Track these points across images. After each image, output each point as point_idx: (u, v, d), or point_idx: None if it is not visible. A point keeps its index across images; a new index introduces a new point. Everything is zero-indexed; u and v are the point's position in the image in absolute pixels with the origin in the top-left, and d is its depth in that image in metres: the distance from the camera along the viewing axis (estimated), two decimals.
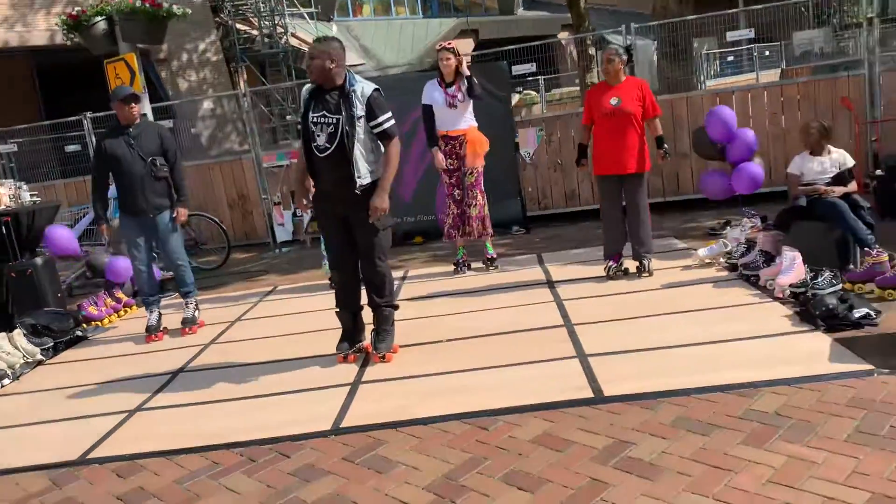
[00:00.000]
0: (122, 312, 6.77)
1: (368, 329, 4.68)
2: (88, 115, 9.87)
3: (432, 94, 6.37)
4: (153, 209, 5.68)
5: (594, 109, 5.73)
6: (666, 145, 5.87)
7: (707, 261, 5.82)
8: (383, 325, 4.59)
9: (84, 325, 6.26)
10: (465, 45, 20.14)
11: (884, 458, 2.74)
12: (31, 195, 6.91)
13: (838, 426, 3.03)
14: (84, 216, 8.91)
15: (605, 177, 5.77)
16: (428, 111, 6.39)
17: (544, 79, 13.32)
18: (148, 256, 5.85)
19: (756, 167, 6.35)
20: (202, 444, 3.63)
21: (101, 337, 6.13)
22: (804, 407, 3.23)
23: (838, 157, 5.36)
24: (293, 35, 17.85)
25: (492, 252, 6.72)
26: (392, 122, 4.33)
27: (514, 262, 6.91)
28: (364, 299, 4.62)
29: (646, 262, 5.77)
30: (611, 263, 5.83)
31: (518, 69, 9.08)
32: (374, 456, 3.30)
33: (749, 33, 9.27)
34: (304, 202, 4.58)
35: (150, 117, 7.65)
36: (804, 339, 4.04)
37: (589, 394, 3.66)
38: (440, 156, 6.39)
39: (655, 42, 10.78)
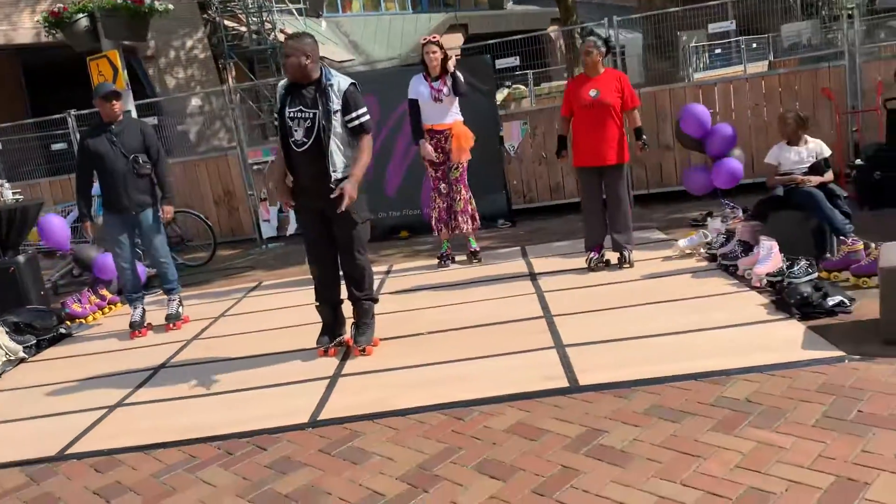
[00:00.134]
0: (106, 310, 6.77)
1: (349, 323, 4.70)
2: (73, 112, 9.83)
3: (418, 88, 6.37)
4: (136, 206, 5.69)
5: (573, 101, 5.74)
6: (645, 136, 5.89)
7: (687, 251, 5.86)
8: (363, 319, 4.61)
9: (68, 323, 6.25)
10: (454, 41, 20.14)
11: (849, 443, 2.78)
12: (14, 193, 6.90)
13: (807, 412, 3.07)
14: (69, 213, 8.89)
15: (584, 168, 5.79)
16: (414, 105, 6.38)
17: (534, 73, 13.31)
18: (131, 254, 5.86)
19: (735, 162, 6.39)
20: (180, 438, 3.66)
21: (84, 334, 6.13)
22: (775, 393, 3.27)
23: (815, 147, 5.39)
24: (282, 31, 17.79)
25: (475, 245, 6.75)
26: (367, 116, 4.33)
27: (497, 255, 6.93)
28: (344, 293, 4.64)
29: (626, 253, 5.80)
30: (592, 255, 5.85)
31: (502, 63, 9.08)
32: (351, 447, 3.32)
33: (730, 25, 9.28)
34: (286, 199, 4.54)
35: (134, 114, 7.62)
36: (779, 327, 4.08)
37: (564, 383, 3.69)
38: (428, 147, 6.36)
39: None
